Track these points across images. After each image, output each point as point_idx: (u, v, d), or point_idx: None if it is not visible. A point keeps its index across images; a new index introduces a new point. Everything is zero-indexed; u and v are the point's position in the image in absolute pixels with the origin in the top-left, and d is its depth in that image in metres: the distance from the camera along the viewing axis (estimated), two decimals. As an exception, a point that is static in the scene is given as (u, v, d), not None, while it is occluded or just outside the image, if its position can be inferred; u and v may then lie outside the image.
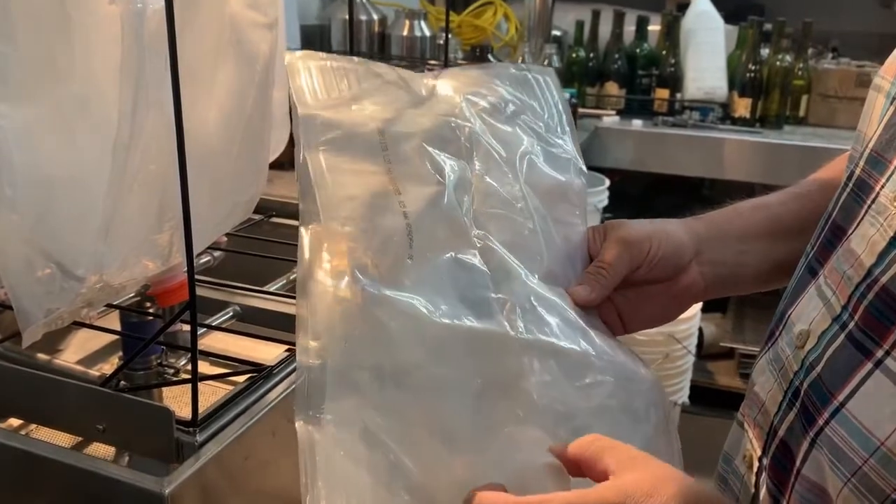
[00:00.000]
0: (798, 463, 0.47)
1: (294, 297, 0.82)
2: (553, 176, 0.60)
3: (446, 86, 0.63)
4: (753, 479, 0.52)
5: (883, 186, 0.46)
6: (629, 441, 0.44)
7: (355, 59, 0.63)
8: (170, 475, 0.53)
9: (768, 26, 2.27)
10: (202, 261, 0.93)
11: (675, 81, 2.31)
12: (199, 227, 0.65)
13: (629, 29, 2.38)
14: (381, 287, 0.48)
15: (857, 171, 0.50)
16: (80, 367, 0.77)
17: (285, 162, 0.86)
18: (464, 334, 0.48)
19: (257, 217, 1.03)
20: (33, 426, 0.68)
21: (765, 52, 2.27)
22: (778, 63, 2.23)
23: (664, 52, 2.33)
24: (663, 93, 2.31)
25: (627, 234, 0.59)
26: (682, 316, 1.84)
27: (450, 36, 2.30)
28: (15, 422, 0.62)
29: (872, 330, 0.43)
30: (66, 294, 0.66)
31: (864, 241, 0.45)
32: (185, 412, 0.58)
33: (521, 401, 0.48)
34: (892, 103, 0.49)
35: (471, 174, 0.56)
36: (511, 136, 0.61)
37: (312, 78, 0.60)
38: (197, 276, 0.88)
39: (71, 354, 0.86)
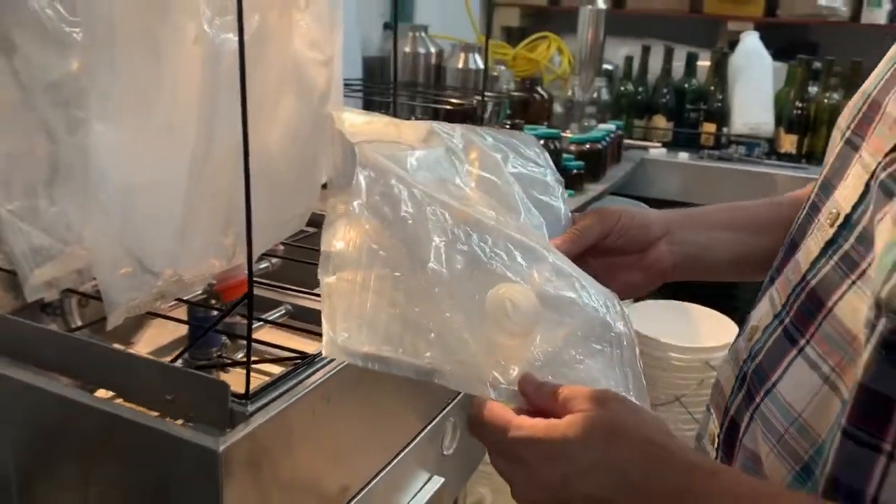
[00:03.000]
0: (741, 435, 0.55)
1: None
2: (531, 170, 0.71)
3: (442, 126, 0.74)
4: (714, 454, 0.60)
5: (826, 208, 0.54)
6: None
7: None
8: (224, 437, 0.63)
9: (818, 64, 2.32)
10: (261, 266, 1.04)
11: (722, 116, 2.37)
12: (258, 233, 0.76)
13: (678, 64, 2.45)
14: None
15: (812, 196, 0.58)
16: (151, 357, 0.90)
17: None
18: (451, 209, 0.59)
19: (311, 230, 1.14)
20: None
21: (813, 89, 2.31)
22: (826, 100, 2.27)
23: (712, 88, 2.39)
24: (710, 127, 2.37)
25: (603, 208, 0.70)
26: (717, 344, 1.89)
27: (503, 68, 2.41)
28: (103, 393, 0.73)
29: (800, 323, 0.51)
30: (144, 286, 0.77)
31: (806, 252, 0.53)
32: (239, 389, 0.68)
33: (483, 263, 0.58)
34: (842, 138, 0.57)
35: (463, 155, 0.67)
36: (495, 151, 0.71)
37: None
38: (255, 279, 1.00)
39: (142, 347, 0.98)
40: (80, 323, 1.03)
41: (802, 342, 0.50)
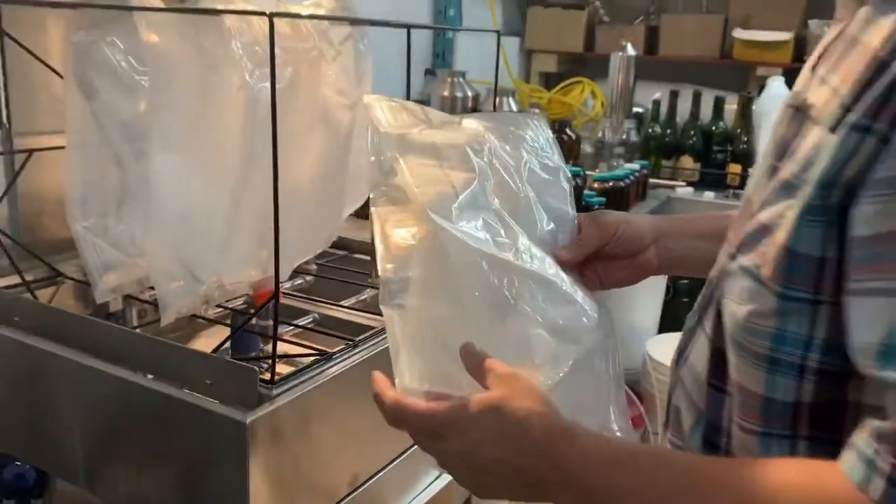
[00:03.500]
0: (668, 405, 0.68)
1: (360, 311, 1.06)
2: (545, 177, 0.83)
3: (471, 122, 0.86)
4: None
5: None
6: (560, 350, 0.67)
7: (409, 103, 0.87)
8: (252, 413, 0.77)
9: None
10: (296, 283, 1.19)
11: (747, 157, 2.45)
12: (288, 250, 0.90)
13: (706, 107, 2.56)
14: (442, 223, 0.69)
15: None
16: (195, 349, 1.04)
17: (360, 212, 1.11)
18: (488, 258, 0.70)
19: (341, 252, 1.28)
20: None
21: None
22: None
23: (738, 130, 2.49)
24: (736, 167, 2.46)
25: (603, 219, 0.80)
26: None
27: (537, 111, 2.54)
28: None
29: (703, 309, 0.64)
30: (192, 292, 0.92)
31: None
32: (268, 378, 0.82)
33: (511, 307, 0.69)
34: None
35: (490, 171, 0.79)
36: (515, 153, 0.83)
37: (384, 112, 0.83)
38: (289, 292, 1.14)
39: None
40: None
41: (703, 322, 0.63)
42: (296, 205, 0.94)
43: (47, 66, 1.04)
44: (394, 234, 0.71)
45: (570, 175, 0.86)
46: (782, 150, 0.55)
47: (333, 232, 1.05)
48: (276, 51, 0.77)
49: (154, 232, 0.91)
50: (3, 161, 1.09)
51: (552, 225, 0.81)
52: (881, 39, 0.49)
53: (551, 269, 0.75)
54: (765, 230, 0.54)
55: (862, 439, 0.48)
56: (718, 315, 0.60)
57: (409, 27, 0.91)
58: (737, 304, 0.56)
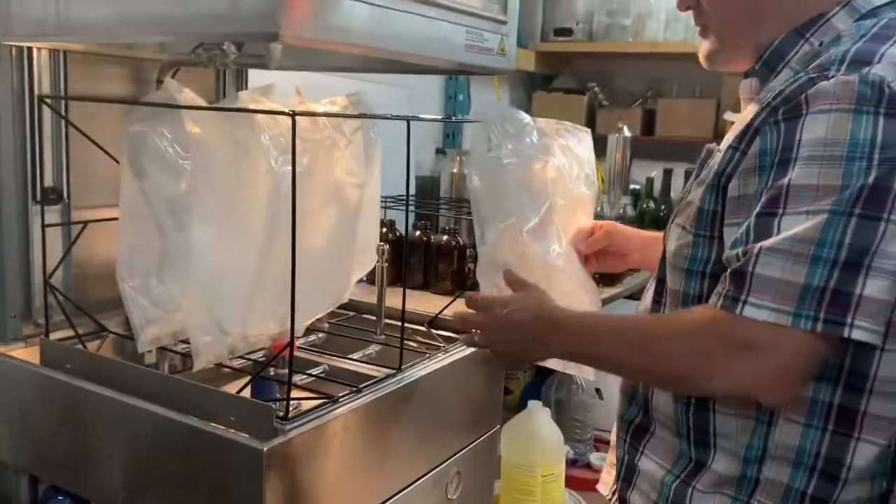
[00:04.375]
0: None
1: (366, 363, 1.21)
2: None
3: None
4: None
5: None
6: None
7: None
8: (268, 443, 0.91)
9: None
10: (310, 339, 1.34)
11: (738, 231, 2.60)
12: (303, 307, 1.06)
13: (699, 185, 2.72)
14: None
15: None
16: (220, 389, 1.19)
17: (364, 278, 1.27)
18: None
19: (350, 313, 1.44)
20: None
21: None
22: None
23: (729, 206, 2.64)
24: (727, 241, 2.60)
25: (609, 228, 1.27)
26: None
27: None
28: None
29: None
30: (221, 342, 1.08)
31: None
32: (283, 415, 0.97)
33: None
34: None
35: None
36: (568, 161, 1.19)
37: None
38: (304, 347, 1.30)
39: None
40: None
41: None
42: (310, 269, 1.10)
43: (104, 151, 1.23)
44: None
45: (594, 181, 1.30)
46: (700, 169, 0.96)
47: (343, 294, 1.21)
48: (297, 141, 0.95)
49: (191, 291, 1.07)
50: (61, 230, 1.27)
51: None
52: (755, 106, 0.86)
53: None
54: (688, 204, 0.92)
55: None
56: (664, 258, 0.96)
57: (408, 119, 1.09)
58: (673, 243, 0.93)
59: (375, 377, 1.12)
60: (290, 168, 1.01)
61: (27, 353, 1.19)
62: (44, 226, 1.17)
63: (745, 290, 0.78)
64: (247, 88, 1.56)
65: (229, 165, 1.04)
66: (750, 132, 0.84)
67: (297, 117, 0.91)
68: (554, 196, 1.20)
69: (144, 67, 1.37)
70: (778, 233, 0.77)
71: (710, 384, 0.84)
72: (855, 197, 0.75)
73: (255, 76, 1.60)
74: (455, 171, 2.58)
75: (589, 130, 1.31)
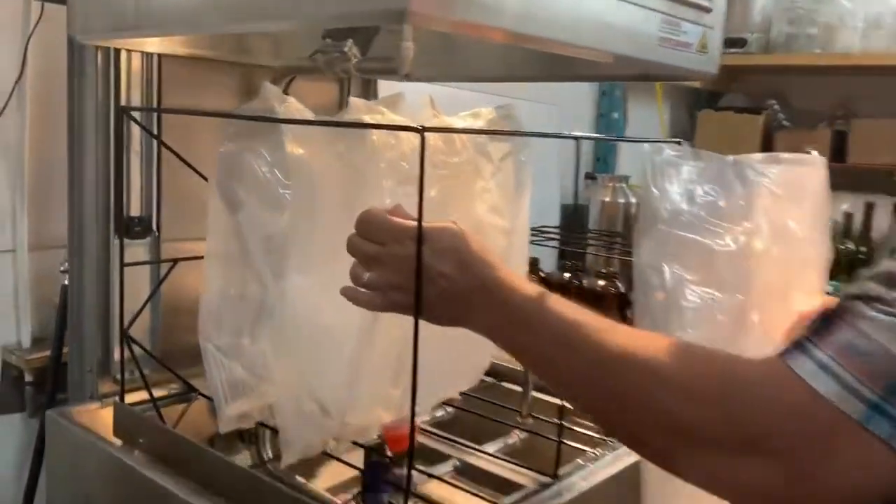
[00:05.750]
0: None
1: (507, 460, 0.91)
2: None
3: None
4: None
5: None
6: None
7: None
8: None
9: None
10: (437, 415, 1.06)
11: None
12: (428, 386, 0.78)
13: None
14: None
15: None
16: (326, 494, 0.94)
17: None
18: None
19: (489, 380, 1.15)
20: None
21: None
22: None
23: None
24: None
25: None
26: None
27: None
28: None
29: None
30: (319, 428, 0.82)
31: None
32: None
33: None
34: None
35: None
36: None
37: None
38: (427, 429, 1.02)
39: (321, 482, 1.02)
40: (270, 454, 1.11)
41: None
42: (439, 335, 0.82)
43: (200, 175, 1.01)
44: None
45: None
46: None
47: (483, 365, 0.93)
48: (426, 166, 0.68)
49: (285, 353, 0.83)
50: (150, 268, 1.07)
51: None
52: None
53: None
54: None
55: None
56: None
57: (577, 138, 0.80)
58: None
59: (523, 486, 0.82)
60: (415, 201, 0.74)
61: (102, 417, 0.99)
62: (123, 264, 0.96)
63: None
64: (374, 102, 1.32)
65: (338, 197, 0.78)
66: None
67: (427, 133, 0.64)
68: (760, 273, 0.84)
69: (255, 76, 1.15)
70: None
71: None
72: None
73: (385, 89, 1.36)
74: (608, 198, 2.26)
75: (823, 159, 0.95)
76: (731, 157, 1.03)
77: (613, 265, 1.94)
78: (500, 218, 0.86)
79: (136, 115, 0.98)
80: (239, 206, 0.87)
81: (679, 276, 0.87)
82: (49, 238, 1.16)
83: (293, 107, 0.80)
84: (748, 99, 2.82)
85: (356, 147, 0.75)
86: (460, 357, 0.89)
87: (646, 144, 0.86)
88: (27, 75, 1.12)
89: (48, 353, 1.14)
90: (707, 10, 0.92)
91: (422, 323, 0.69)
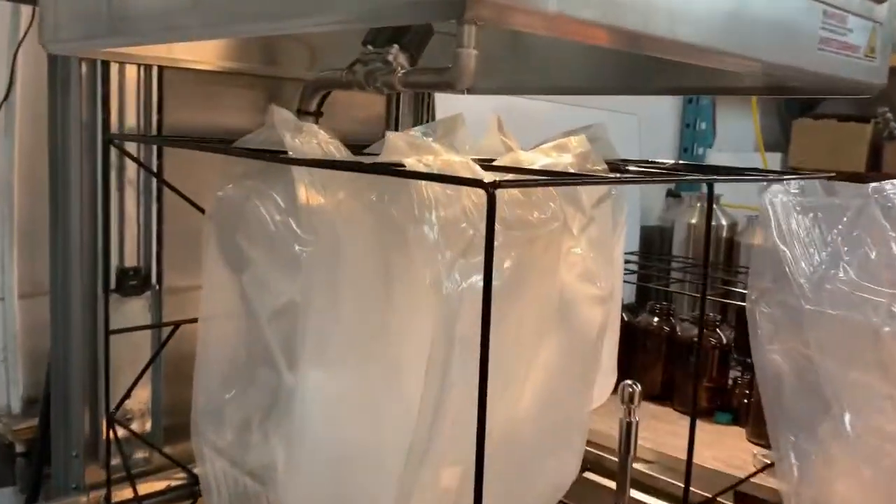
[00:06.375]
0: None
1: None
2: None
3: None
4: None
5: None
6: None
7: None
8: None
9: None
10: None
11: None
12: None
13: None
14: None
15: None
16: None
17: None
18: None
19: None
20: None
21: None
22: None
23: None
24: None
25: None
26: None
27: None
28: None
29: None
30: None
31: None
32: None
33: None
34: None
35: None
36: None
37: None
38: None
39: None
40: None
41: None
42: (510, 444, 0.60)
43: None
44: None
45: None
46: None
47: (569, 476, 0.69)
48: (498, 232, 0.46)
49: (295, 470, 0.61)
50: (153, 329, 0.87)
51: None
52: None
53: None
54: None
55: None
56: None
57: (711, 181, 0.56)
58: None
59: None
60: (478, 278, 0.52)
61: (85, 517, 0.79)
62: (108, 332, 0.77)
63: None
64: (431, 120, 1.10)
65: (373, 264, 0.56)
66: None
67: (499, 191, 0.42)
68: None
69: (284, 91, 0.95)
70: None
71: None
72: None
73: (442, 100, 1.15)
74: (694, 220, 2.01)
75: None
76: (870, 187, 0.79)
77: (708, 302, 1.67)
78: (594, 285, 0.63)
79: (128, 143, 0.78)
80: (244, 266, 0.66)
81: (837, 378, 0.63)
82: (43, 283, 0.97)
83: (311, 137, 0.59)
84: (852, 105, 2.50)
85: (397, 198, 0.53)
86: (534, 476, 0.66)
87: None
88: (16, 93, 0.94)
89: (39, 421, 0.95)
90: (879, 0, 0.67)
91: (491, 437, 0.47)
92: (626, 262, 1.71)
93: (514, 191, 0.54)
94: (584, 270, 0.62)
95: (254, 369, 0.69)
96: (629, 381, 0.75)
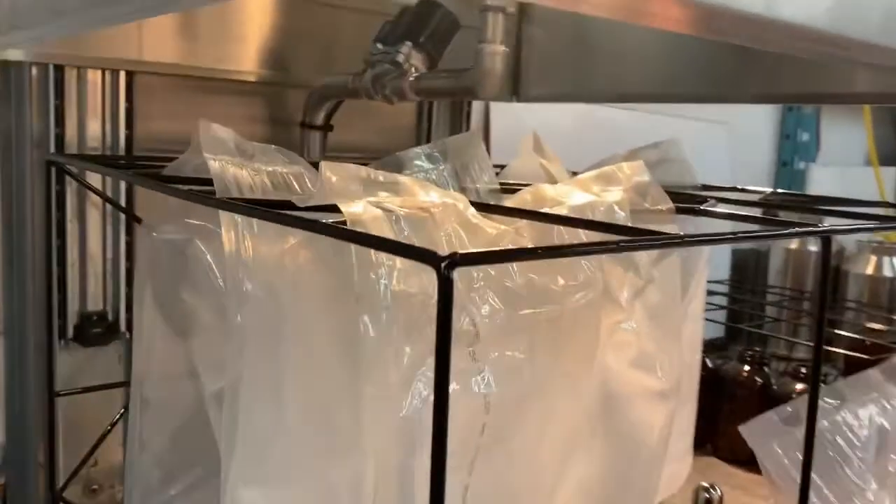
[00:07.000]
0: None
1: None
2: None
3: None
4: None
5: None
6: None
7: None
8: None
9: None
10: None
11: None
12: None
13: None
14: None
15: None
16: None
17: None
18: None
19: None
20: None
21: None
22: None
23: None
24: None
25: None
26: None
27: None
28: None
29: None
30: None
31: None
32: None
33: None
34: None
35: None
36: None
37: None
38: None
39: None
40: None
41: None
42: None
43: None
44: None
45: None
46: None
47: None
48: (494, 306, 0.28)
49: None
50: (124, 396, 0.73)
51: None
52: None
53: None
54: None
55: None
56: None
57: (828, 234, 0.37)
58: None
59: None
60: (481, 379, 0.35)
61: None
62: (53, 393, 0.63)
63: None
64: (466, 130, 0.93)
65: (327, 342, 0.40)
66: None
67: (459, 271, 0.24)
68: None
69: (288, 101, 0.80)
70: None
71: None
72: None
73: (479, 107, 0.98)
74: (793, 245, 1.77)
75: None
76: None
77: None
78: (653, 374, 0.44)
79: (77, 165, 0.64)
80: (190, 328, 0.51)
81: None
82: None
83: (254, 162, 0.42)
84: (983, 112, 2.19)
85: (360, 262, 0.36)
86: None
87: None
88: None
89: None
90: None
91: None
92: (713, 293, 1.49)
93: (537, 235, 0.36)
94: (638, 354, 0.43)
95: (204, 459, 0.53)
96: (705, 485, 0.56)
